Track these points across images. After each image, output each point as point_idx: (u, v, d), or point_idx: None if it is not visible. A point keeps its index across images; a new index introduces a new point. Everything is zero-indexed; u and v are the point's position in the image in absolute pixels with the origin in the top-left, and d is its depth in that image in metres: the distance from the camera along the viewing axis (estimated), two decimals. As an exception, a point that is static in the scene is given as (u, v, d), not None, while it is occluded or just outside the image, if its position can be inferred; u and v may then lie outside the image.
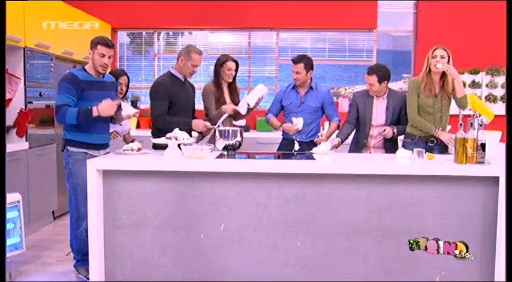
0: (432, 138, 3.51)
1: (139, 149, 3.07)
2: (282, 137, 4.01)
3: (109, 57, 3.11)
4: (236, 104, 3.76)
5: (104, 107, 3.02)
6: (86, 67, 3.16)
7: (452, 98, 3.54)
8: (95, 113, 3.01)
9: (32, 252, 3.62)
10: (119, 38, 6.54)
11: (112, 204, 2.81)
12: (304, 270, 2.79)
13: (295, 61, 3.83)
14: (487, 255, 2.70)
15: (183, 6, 6.16)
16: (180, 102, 3.53)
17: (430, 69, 3.47)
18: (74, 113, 3.00)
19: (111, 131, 3.52)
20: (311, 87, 3.89)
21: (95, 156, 3.11)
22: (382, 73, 3.65)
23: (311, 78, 3.90)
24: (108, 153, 3.23)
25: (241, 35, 6.43)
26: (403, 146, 3.62)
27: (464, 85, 5.82)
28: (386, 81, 3.71)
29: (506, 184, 2.39)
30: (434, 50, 3.46)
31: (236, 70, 3.94)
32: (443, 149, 3.50)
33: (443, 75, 3.48)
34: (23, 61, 4.15)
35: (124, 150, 3.04)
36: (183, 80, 3.59)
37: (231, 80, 3.94)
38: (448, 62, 3.44)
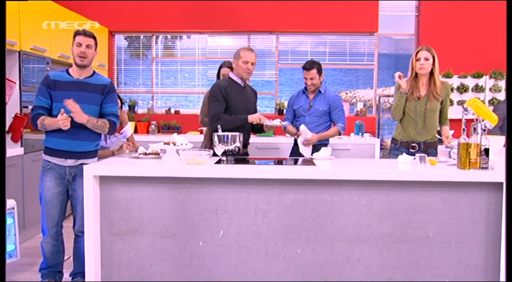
0: (414, 144, 3.50)
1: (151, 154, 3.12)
2: (294, 140, 4.00)
3: (87, 47, 2.97)
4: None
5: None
6: (70, 69, 3.06)
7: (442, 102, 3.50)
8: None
9: (26, 260, 3.57)
10: (116, 41, 6.50)
11: (109, 211, 2.76)
12: (304, 277, 2.74)
13: (308, 68, 3.83)
14: (492, 262, 2.66)
15: (181, 9, 6.12)
16: (237, 105, 3.52)
17: (416, 73, 3.45)
18: (36, 118, 2.94)
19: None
20: (319, 91, 3.89)
21: (58, 165, 3.01)
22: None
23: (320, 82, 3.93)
24: (81, 164, 2.98)
25: (241, 39, 6.40)
26: (389, 151, 3.62)
27: (467, 89, 5.81)
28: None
29: (507, 187, 2.33)
30: (418, 51, 3.44)
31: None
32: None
33: (432, 75, 3.44)
34: (18, 65, 4.11)
35: (139, 154, 3.10)
36: (242, 84, 3.58)
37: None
38: (434, 63, 3.40)
